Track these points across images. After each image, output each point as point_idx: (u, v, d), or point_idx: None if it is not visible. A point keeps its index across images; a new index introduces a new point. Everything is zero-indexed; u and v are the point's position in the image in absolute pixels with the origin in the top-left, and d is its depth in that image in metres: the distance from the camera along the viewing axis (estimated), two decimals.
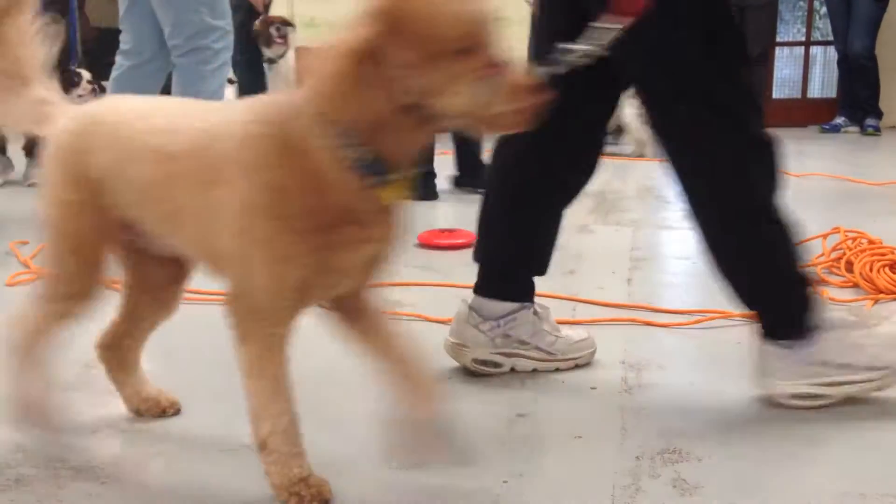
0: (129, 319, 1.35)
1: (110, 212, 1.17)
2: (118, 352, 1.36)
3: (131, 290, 1.34)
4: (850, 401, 1.39)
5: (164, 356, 1.66)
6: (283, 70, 4.90)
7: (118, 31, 3.32)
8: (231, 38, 2.97)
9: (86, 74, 4.07)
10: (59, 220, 1.20)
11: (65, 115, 1.20)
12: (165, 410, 1.35)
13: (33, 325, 1.26)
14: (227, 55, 2.94)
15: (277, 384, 1.09)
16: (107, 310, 1.93)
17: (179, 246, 1.19)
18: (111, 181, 1.15)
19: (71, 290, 1.24)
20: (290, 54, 4.93)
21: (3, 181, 4.01)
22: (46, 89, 1.23)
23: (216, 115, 1.11)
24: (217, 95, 2.96)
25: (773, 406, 1.38)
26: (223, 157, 1.04)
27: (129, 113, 1.18)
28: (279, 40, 4.89)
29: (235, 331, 1.10)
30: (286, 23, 5.03)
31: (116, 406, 1.40)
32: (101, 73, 7.80)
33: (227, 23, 2.94)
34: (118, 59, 3.10)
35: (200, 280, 2.18)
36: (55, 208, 1.19)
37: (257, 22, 5.00)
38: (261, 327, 1.09)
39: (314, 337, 1.31)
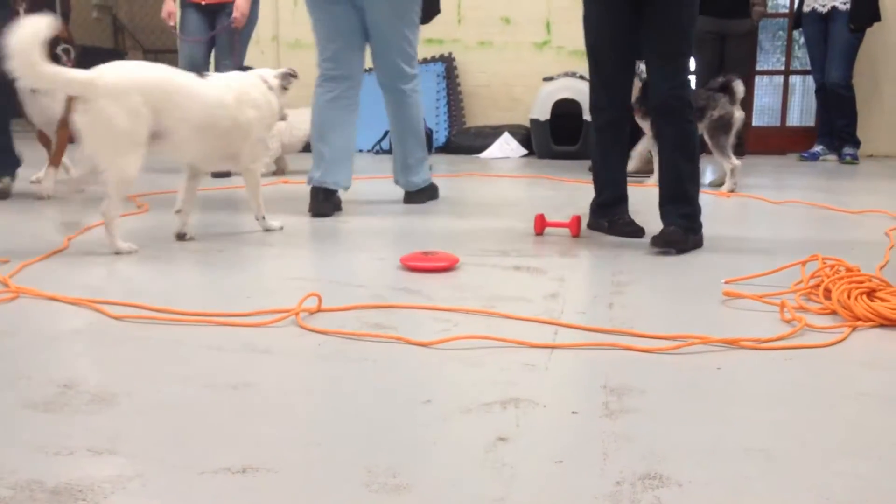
0: None
1: None
2: None
3: None
4: (836, 434, 1.41)
5: (147, 377, 1.65)
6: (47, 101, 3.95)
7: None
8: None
9: None
10: None
11: None
12: None
13: None
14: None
15: None
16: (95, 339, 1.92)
17: None
18: None
19: None
20: None
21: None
22: None
23: None
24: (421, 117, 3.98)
25: (753, 431, 1.39)
26: None
27: None
28: (67, 64, 3.83)
29: None
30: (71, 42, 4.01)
31: (94, 427, 1.38)
32: None
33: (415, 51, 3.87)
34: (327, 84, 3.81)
35: (190, 301, 2.18)
36: None
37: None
38: None
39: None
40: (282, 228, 3.29)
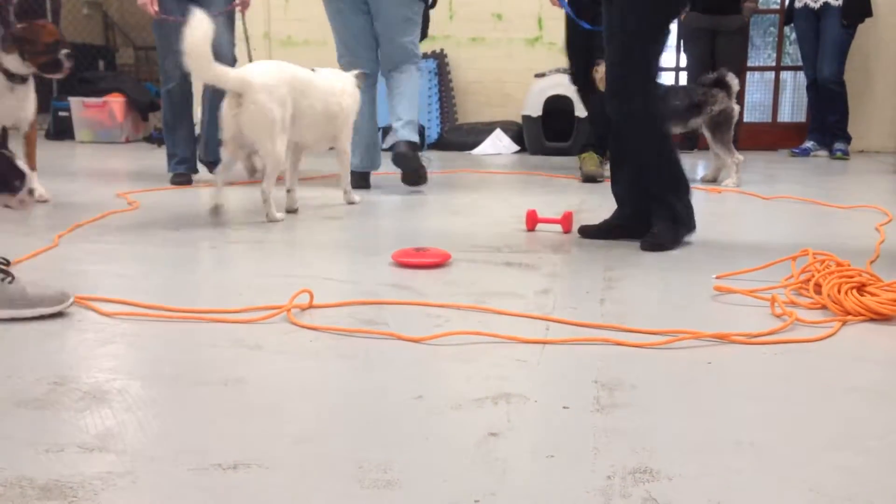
0: None
1: None
2: None
3: None
4: (826, 428, 1.41)
5: (138, 374, 1.65)
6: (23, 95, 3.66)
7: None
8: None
9: None
10: None
11: None
12: None
13: None
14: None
15: None
16: (81, 330, 1.91)
17: None
18: None
19: None
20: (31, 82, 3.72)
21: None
22: None
23: None
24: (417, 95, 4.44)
25: (743, 426, 1.39)
26: None
27: None
28: (67, 70, 3.68)
29: None
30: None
31: (84, 424, 1.38)
32: (73, 87, 7.73)
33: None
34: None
35: (181, 298, 2.17)
36: None
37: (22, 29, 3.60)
38: None
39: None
40: (359, 201, 3.92)
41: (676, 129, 4.93)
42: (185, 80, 4.45)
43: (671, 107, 4.70)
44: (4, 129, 2.16)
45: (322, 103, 3.54)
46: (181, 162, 4.64)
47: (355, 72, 3.87)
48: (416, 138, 4.38)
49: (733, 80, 4.73)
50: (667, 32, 2.88)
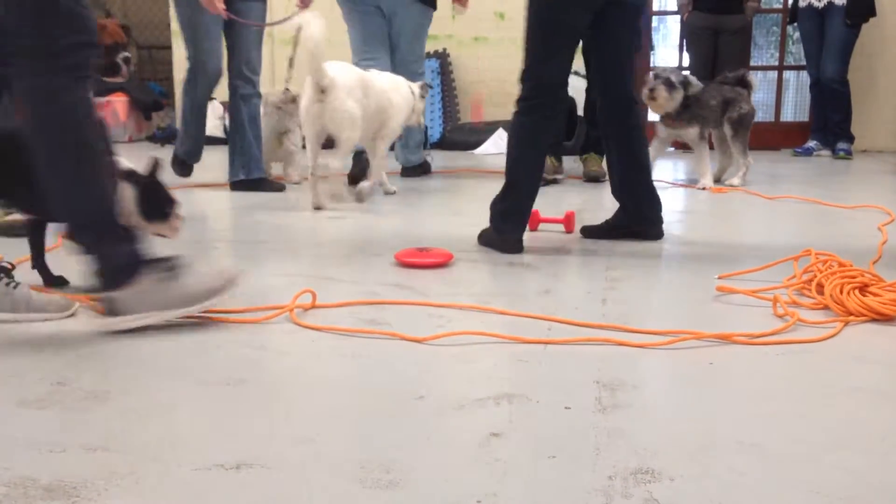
0: None
1: None
2: None
3: None
4: (828, 428, 1.41)
5: (141, 374, 1.65)
6: None
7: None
8: None
9: None
10: None
11: None
12: None
13: None
14: None
15: None
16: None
17: None
18: None
19: None
20: None
21: None
22: None
23: None
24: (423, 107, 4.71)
25: (745, 426, 1.40)
26: None
27: None
28: (126, 75, 3.58)
29: None
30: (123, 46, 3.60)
31: (87, 424, 1.39)
32: None
33: None
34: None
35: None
36: None
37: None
38: None
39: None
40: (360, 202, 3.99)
41: (706, 130, 4.77)
42: (211, 81, 4.25)
43: (709, 107, 4.63)
44: (157, 159, 2.15)
45: (375, 101, 3.86)
46: (186, 153, 4.58)
47: (420, 83, 4.30)
48: (420, 157, 5.09)
49: (754, 80, 4.80)
50: (555, 37, 3.03)
